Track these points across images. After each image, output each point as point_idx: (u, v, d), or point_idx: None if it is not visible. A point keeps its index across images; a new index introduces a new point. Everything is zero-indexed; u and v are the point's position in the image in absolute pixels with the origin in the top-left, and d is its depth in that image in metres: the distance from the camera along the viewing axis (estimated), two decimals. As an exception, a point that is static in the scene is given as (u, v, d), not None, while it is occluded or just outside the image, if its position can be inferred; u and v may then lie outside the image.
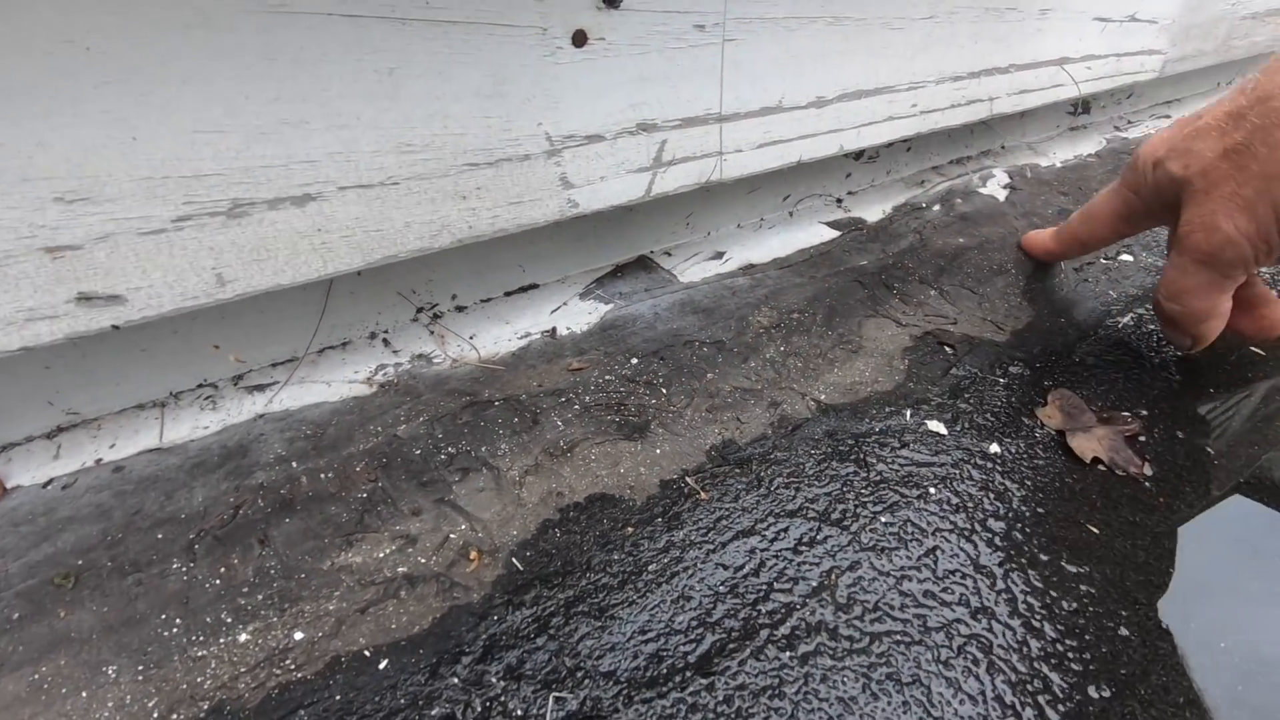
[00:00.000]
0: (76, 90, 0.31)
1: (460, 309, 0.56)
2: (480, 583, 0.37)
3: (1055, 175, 0.85)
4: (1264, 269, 0.56)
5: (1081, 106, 0.97)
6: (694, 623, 0.36)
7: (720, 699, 0.33)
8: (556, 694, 0.32)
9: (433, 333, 0.54)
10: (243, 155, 0.36)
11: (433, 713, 0.31)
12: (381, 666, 0.33)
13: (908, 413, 0.49)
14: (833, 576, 0.38)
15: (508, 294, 0.58)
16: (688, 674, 0.33)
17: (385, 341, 0.52)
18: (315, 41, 0.36)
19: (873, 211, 0.75)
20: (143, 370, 0.44)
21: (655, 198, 0.55)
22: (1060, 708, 0.33)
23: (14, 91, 0.30)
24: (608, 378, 0.50)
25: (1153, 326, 0.60)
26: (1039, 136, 0.95)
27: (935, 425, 0.48)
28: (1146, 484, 0.45)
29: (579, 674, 0.33)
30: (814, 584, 0.38)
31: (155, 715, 0.31)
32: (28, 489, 0.40)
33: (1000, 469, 0.46)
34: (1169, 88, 1.10)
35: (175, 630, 0.34)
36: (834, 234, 0.70)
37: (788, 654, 0.35)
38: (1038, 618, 0.37)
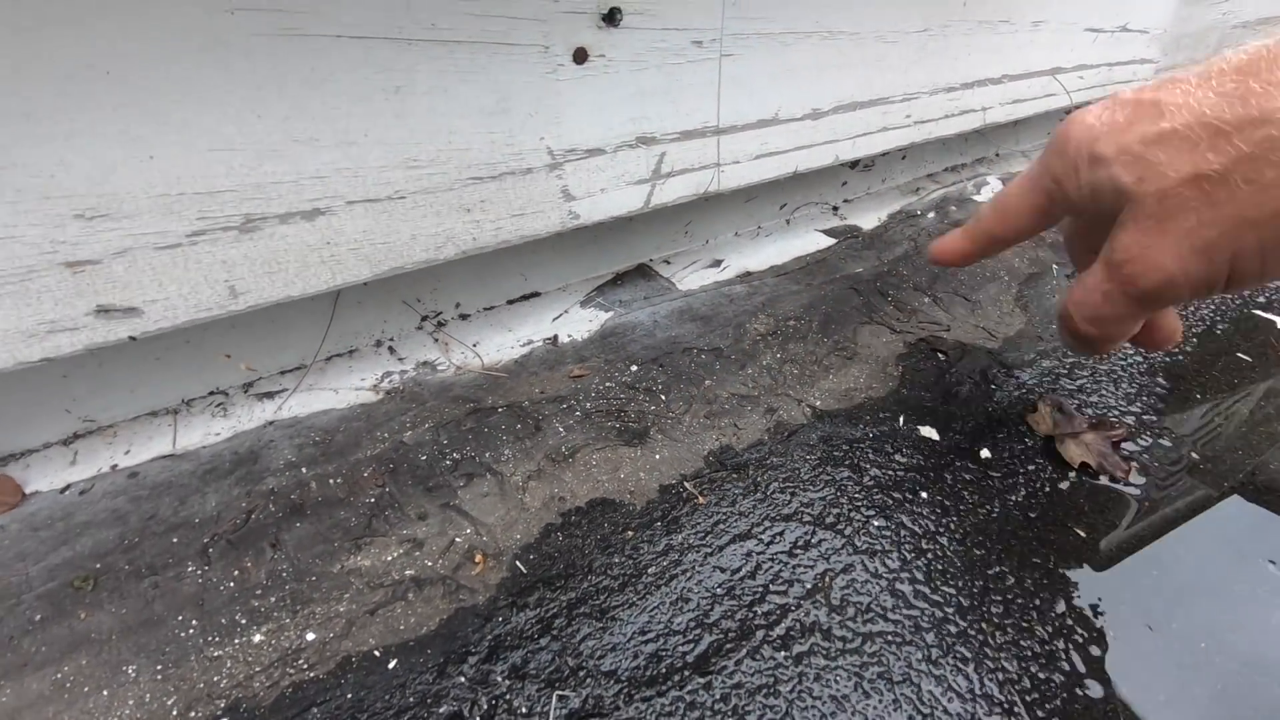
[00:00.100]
0: (97, 112, 0.33)
1: (464, 317, 0.57)
2: (485, 585, 0.38)
3: (1049, 182, 0.86)
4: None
5: (1075, 114, 0.99)
6: (692, 624, 0.37)
7: (717, 697, 0.34)
8: (559, 692, 0.34)
9: (437, 340, 0.55)
10: (255, 172, 0.37)
11: (441, 710, 0.33)
12: (391, 666, 0.34)
13: (901, 418, 0.51)
14: (827, 579, 0.39)
15: (510, 302, 0.59)
16: (686, 673, 0.35)
17: (391, 349, 0.53)
18: (325, 62, 0.37)
19: (868, 219, 0.76)
20: (156, 378, 0.45)
21: (654, 208, 0.56)
22: (1048, 706, 0.34)
23: (38, 114, 0.31)
24: (608, 384, 0.51)
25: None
26: (1033, 144, 0.96)
27: (928, 431, 0.50)
28: (1133, 489, 0.46)
29: (581, 673, 0.34)
30: (809, 586, 0.39)
31: (174, 713, 0.32)
32: (46, 494, 0.41)
33: (991, 473, 0.47)
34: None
35: (192, 631, 0.35)
36: (830, 241, 0.72)
37: (783, 654, 0.36)
38: (1027, 618, 0.38)
